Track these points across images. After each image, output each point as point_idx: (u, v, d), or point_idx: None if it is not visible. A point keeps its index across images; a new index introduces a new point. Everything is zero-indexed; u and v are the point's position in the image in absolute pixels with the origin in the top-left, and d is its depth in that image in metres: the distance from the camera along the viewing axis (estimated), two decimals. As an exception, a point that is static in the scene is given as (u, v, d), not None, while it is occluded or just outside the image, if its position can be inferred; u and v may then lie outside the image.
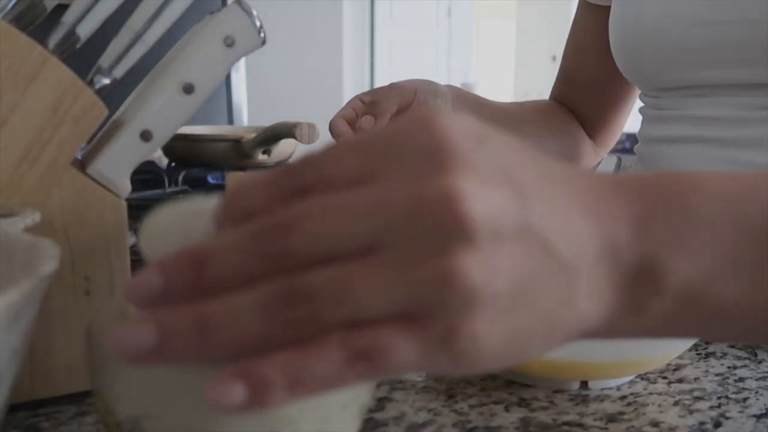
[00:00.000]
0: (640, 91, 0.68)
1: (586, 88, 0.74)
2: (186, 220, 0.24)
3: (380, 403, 0.32)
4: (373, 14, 3.93)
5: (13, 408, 0.31)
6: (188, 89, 0.30)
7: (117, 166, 0.31)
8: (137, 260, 0.33)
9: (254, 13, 0.31)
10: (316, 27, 3.69)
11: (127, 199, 0.32)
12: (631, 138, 2.27)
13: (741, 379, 0.36)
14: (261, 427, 0.20)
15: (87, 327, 0.22)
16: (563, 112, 0.75)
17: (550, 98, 0.77)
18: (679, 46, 0.54)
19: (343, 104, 0.64)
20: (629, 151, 2.32)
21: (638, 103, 0.68)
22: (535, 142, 0.67)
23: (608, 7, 0.63)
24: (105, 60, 0.32)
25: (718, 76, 0.53)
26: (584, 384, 0.34)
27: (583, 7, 0.70)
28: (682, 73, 0.56)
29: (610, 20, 0.62)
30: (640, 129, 0.68)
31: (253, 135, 0.92)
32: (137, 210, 0.63)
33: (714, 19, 0.50)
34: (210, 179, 0.89)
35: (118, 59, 0.32)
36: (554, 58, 4.19)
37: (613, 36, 0.61)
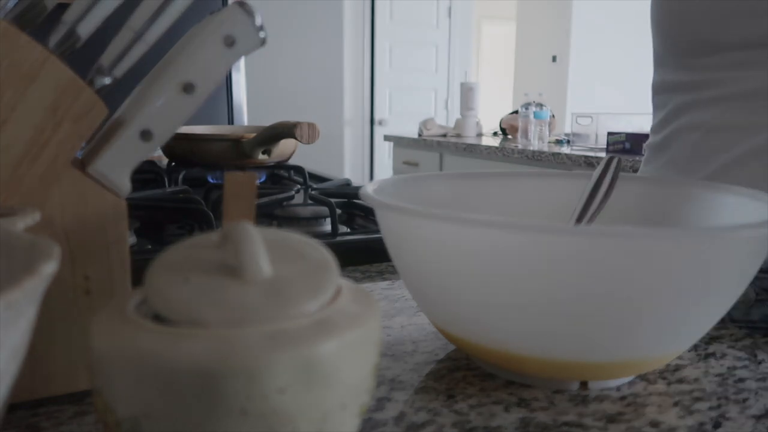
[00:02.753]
0: (654, 80, 0.64)
1: None
2: (190, 253, 0.24)
3: (380, 403, 0.32)
4: (373, 14, 3.93)
5: (12, 407, 0.31)
6: (188, 89, 0.30)
7: (117, 165, 0.31)
8: (137, 260, 0.33)
9: (254, 13, 0.31)
10: (316, 27, 3.69)
11: (127, 199, 0.32)
12: (631, 138, 2.27)
13: (741, 380, 0.36)
14: (260, 426, 0.20)
15: (88, 326, 0.22)
16: None
17: None
18: None
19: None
20: (629, 151, 2.32)
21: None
22: None
23: None
24: (105, 60, 0.32)
25: None
26: (584, 384, 0.34)
27: None
28: (743, 25, 0.51)
29: None
30: (662, 120, 0.63)
31: (253, 135, 0.93)
32: (137, 210, 0.63)
33: None
34: (210, 179, 0.89)
35: (118, 59, 0.32)
36: (554, 59, 4.19)
37: None
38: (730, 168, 0.55)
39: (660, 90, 0.64)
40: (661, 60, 0.63)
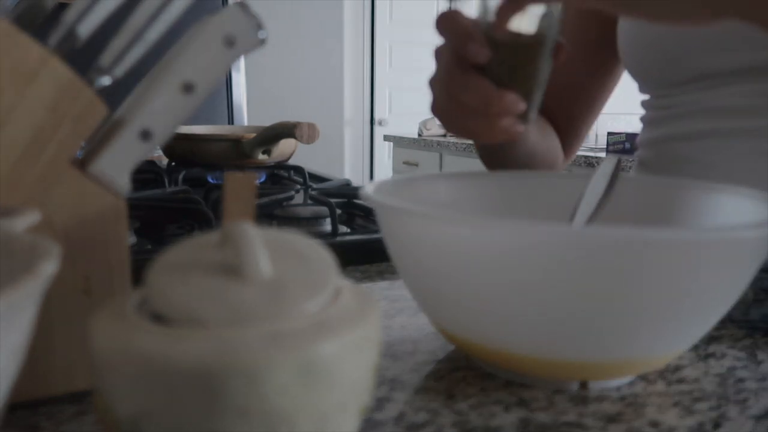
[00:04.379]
0: (642, 98, 0.67)
1: (561, 96, 0.72)
2: (193, 252, 0.24)
3: (380, 403, 0.32)
4: (373, 14, 3.93)
5: (12, 407, 0.31)
6: (188, 89, 0.30)
7: (117, 165, 0.31)
8: (137, 260, 0.33)
9: (254, 13, 0.31)
10: (316, 27, 3.69)
11: (127, 199, 0.32)
12: (631, 138, 2.26)
13: (741, 380, 0.36)
14: (260, 426, 0.20)
15: (88, 326, 0.22)
16: (546, 122, 0.74)
17: None
18: (697, 31, 0.52)
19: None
20: (629, 151, 2.32)
21: (639, 111, 0.68)
22: (531, 148, 0.66)
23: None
24: (105, 60, 0.32)
25: (737, 61, 0.52)
26: (584, 384, 0.34)
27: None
28: (701, 60, 0.54)
29: (619, 19, 0.62)
30: (644, 133, 0.66)
31: (253, 135, 0.93)
32: (137, 210, 0.63)
33: None
34: (210, 179, 0.89)
35: (118, 59, 0.32)
36: (554, 59, 4.18)
37: (625, 32, 0.60)
38: (722, 171, 0.55)
39: (644, 104, 0.66)
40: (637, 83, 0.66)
